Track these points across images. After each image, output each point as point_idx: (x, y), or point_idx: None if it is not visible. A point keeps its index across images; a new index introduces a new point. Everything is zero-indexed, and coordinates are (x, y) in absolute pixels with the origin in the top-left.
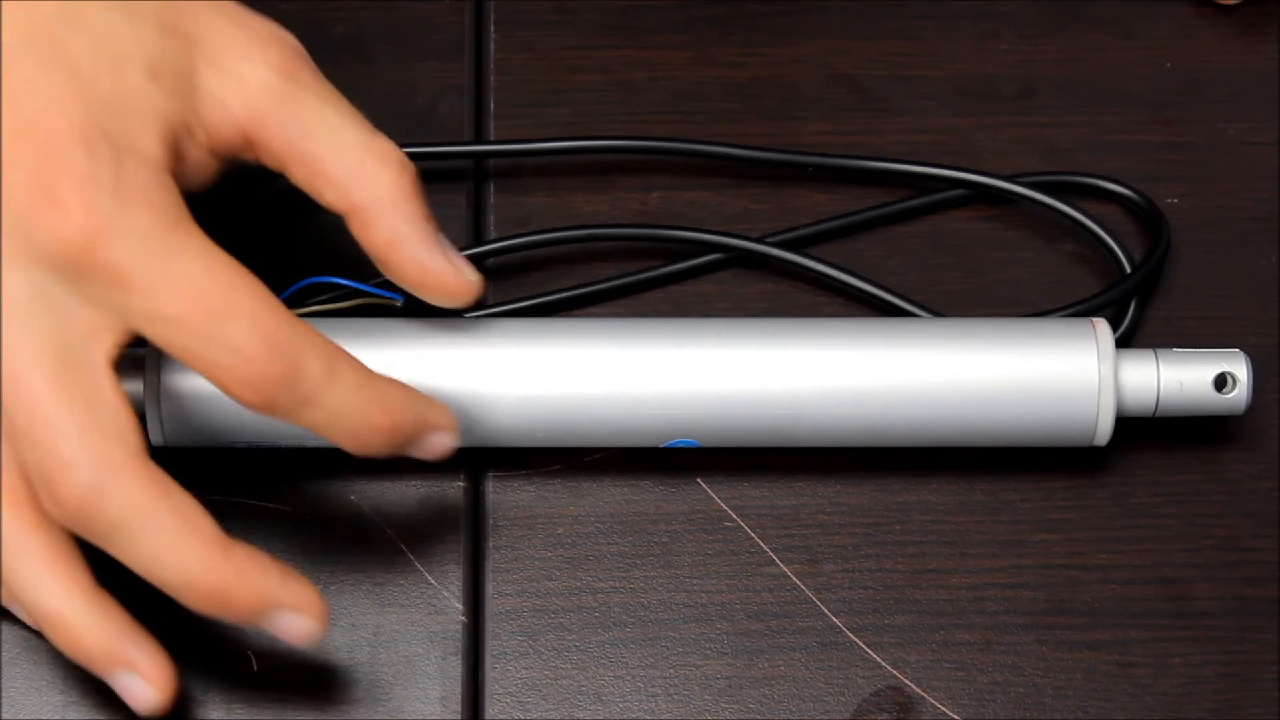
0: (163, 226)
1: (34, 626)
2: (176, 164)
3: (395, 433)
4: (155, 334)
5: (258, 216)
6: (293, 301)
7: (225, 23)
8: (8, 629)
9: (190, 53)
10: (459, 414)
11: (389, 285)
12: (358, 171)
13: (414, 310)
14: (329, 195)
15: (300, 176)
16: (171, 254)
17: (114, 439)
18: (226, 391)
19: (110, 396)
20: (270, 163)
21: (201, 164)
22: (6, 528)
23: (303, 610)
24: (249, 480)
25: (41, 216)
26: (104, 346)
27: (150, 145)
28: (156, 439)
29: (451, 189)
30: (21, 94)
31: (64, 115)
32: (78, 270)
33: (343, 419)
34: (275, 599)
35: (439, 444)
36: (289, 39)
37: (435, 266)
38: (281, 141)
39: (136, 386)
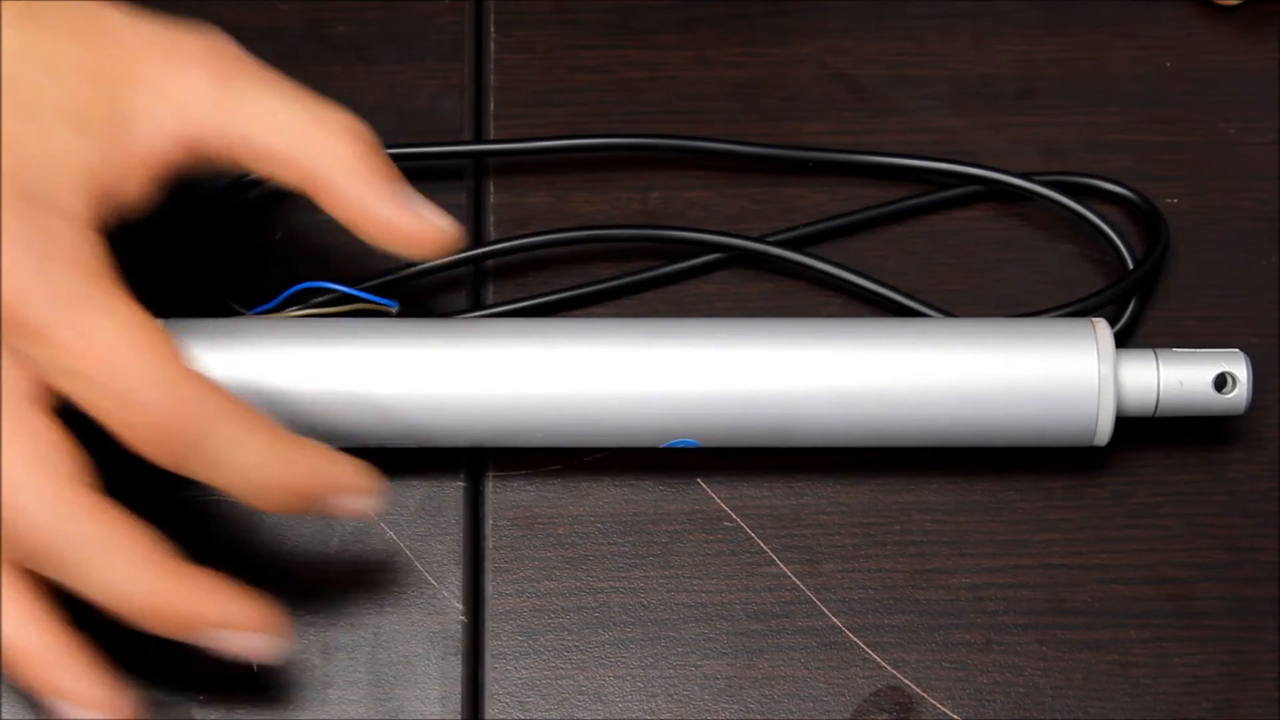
0: (85, 285)
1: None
2: (107, 214)
3: (302, 496)
4: (70, 390)
5: (248, 220)
6: (288, 306)
7: (148, 46)
8: None
9: (118, 92)
10: (460, 414)
11: (383, 290)
12: (306, 147)
13: (410, 312)
14: (288, 177)
15: (258, 168)
16: (89, 313)
17: (63, 479)
18: (133, 449)
19: (55, 438)
20: (227, 165)
21: (142, 196)
22: None
23: (257, 628)
24: None
25: None
26: (43, 393)
27: (76, 203)
28: None
29: (451, 189)
30: None
31: None
32: (4, 326)
33: (249, 481)
34: (229, 618)
35: (352, 505)
36: (215, 40)
37: (405, 224)
38: (227, 143)
39: None
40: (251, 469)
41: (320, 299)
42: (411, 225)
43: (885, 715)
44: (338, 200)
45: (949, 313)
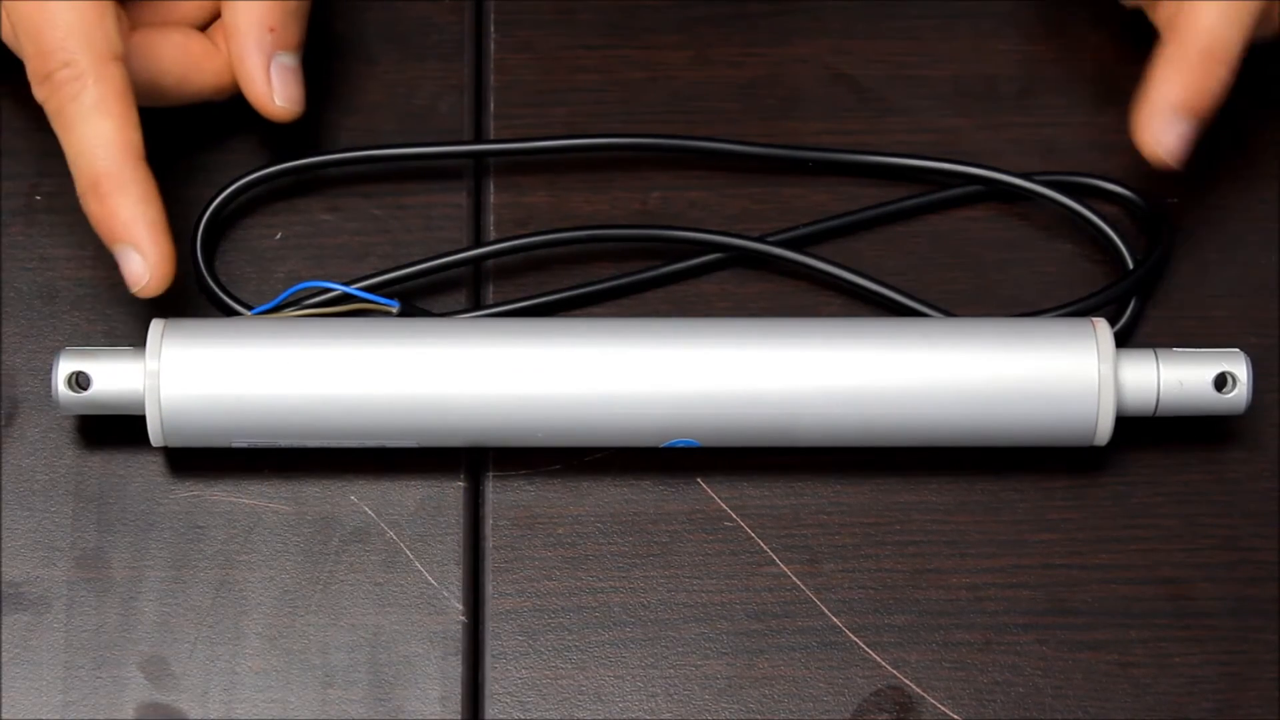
0: None
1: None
2: None
3: (92, 202)
4: None
5: (248, 220)
6: (288, 306)
7: None
8: (8, 629)
9: None
10: (460, 414)
11: (383, 290)
12: None
13: (410, 312)
14: None
15: None
16: None
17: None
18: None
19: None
20: None
21: None
22: None
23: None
24: (249, 480)
25: None
26: None
27: None
28: (157, 439)
29: (451, 188)
30: None
31: None
32: None
33: (71, 152)
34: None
35: (127, 265)
36: None
37: (259, 82)
38: None
39: (137, 388)
40: (75, 145)
41: (320, 299)
42: (260, 88)
43: (885, 715)
44: (229, 26)
45: (949, 313)
